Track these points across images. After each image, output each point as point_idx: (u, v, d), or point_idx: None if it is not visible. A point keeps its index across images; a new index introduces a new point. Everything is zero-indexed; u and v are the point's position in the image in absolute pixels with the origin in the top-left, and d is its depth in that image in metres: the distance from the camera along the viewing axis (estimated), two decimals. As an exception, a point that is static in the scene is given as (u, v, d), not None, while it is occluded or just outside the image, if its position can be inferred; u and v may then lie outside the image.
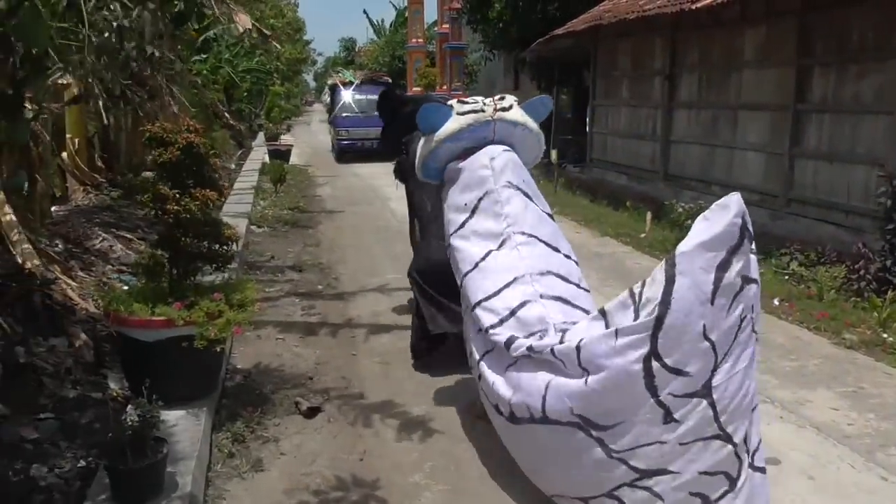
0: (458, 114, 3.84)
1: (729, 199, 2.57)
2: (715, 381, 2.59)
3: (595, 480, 2.79)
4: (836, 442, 3.82)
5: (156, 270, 3.84)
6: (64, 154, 8.63)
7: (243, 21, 7.09)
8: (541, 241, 3.54)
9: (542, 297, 3.26)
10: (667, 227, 9.06)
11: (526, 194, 3.71)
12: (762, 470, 2.81)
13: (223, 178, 5.52)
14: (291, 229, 9.50)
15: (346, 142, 18.76)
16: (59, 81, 6.16)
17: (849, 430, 3.97)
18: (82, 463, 3.29)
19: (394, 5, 41.07)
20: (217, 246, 3.94)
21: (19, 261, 4.93)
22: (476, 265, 3.49)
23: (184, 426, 3.51)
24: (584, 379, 2.74)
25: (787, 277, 6.87)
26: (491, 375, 3.24)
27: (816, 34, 7.82)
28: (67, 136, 8.70)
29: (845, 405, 4.28)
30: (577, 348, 2.77)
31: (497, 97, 3.95)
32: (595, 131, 13.64)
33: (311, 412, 4.09)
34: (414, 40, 29.85)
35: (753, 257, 2.61)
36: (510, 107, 3.90)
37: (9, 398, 3.73)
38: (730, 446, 2.64)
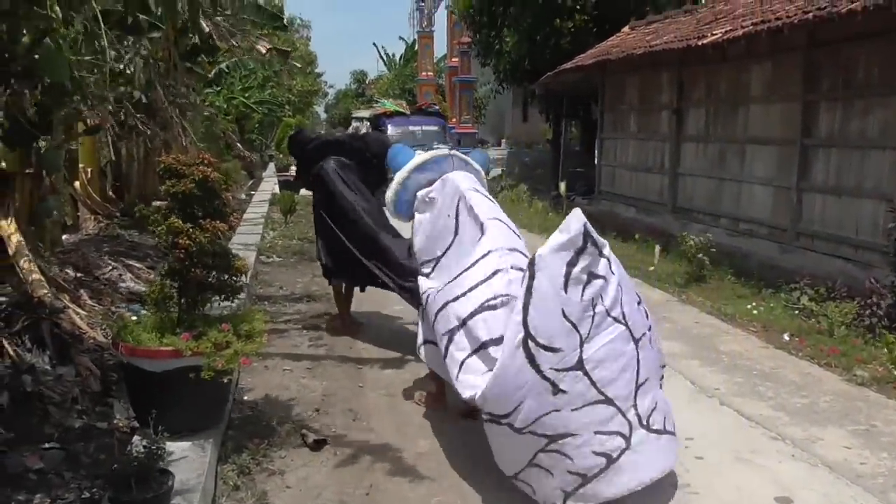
0: (430, 151, 4.72)
1: (574, 214, 3.38)
2: (585, 356, 3.22)
3: (518, 456, 3.34)
4: (850, 482, 3.75)
5: (165, 301, 3.84)
6: (76, 183, 8.72)
7: (262, 45, 7.26)
8: (507, 225, 4.11)
9: (511, 267, 3.72)
10: (675, 259, 9.03)
11: (486, 196, 4.37)
12: (659, 432, 3.38)
13: (233, 208, 5.55)
14: (300, 260, 9.51)
15: None
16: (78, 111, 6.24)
17: (861, 469, 3.90)
18: (86, 494, 3.26)
19: (404, 40, 41.62)
20: (226, 277, 3.95)
21: (28, 289, 4.96)
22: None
23: (189, 458, 3.48)
24: (483, 387, 3.31)
25: (797, 312, 6.82)
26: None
27: (822, 70, 7.87)
28: (80, 165, 8.80)
29: (858, 443, 4.21)
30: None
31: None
32: (603, 164, 13.69)
33: (318, 445, 4.06)
34: (424, 73, 30.14)
35: (602, 259, 3.36)
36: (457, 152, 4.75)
37: (14, 427, 3.72)
38: (613, 408, 3.25)
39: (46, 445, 3.62)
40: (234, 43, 7.15)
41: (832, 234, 7.64)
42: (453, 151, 4.68)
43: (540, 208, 13.84)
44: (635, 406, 3.32)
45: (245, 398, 4.72)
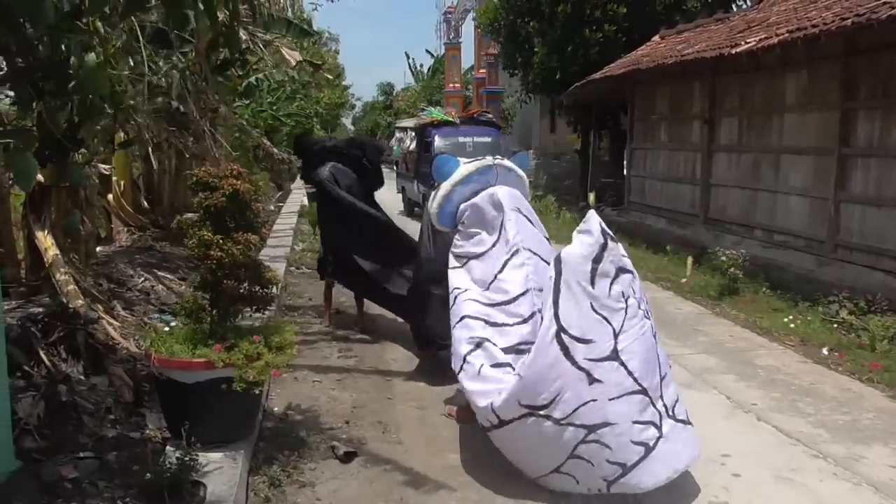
0: (465, 163, 4.63)
1: (590, 215, 3.65)
2: (620, 346, 3.42)
3: (557, 449, 3.46)
4: None
5: (197, 312, 3.87)
6: (110, 196, 8.87)
7: (293, 56, 7.35)
8: (539, 257, 4.18)
9: (540, 290, 3.89)
10: (708, 272, 8.91)
11: (528, 218, 4.42)
12: (684, 423, 3.58)
13: (264, 220, 5.65)
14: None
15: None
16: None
17: (907, 488, 3.80)
18: (120, 504, 3.29)
19: (430, 53, 41.88)
20: (257, 288, 3.98)
21: (64, 300, 5.04)
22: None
23: (221, 469, 3.50)
24: (517, 375, 3.50)
25: (835, 326, 6.68)
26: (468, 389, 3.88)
27: (861, 78, 7.74)
28: (113, 178, 8.94)
29: (902, 461, 4.10)
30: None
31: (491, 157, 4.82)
32: (633, 174, 13.59)
33: (348, 457, 4.06)
34: (451, 85, 30.29)
35: (625, 257, 3.61)
36: (503, 158, 4.80)
37: (50, 436, 3.76)
38: (647, 398, 3.44)
39: (81, 455, 3.66)
40: (266, 55, 7.23)
41: (872, 245, 7.48)
42: (497, 161, 4.66)
43: (568, 219, 13.78)
44: (662, 397, 3.52)
45: (275, 410, 4.74)
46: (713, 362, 5.88)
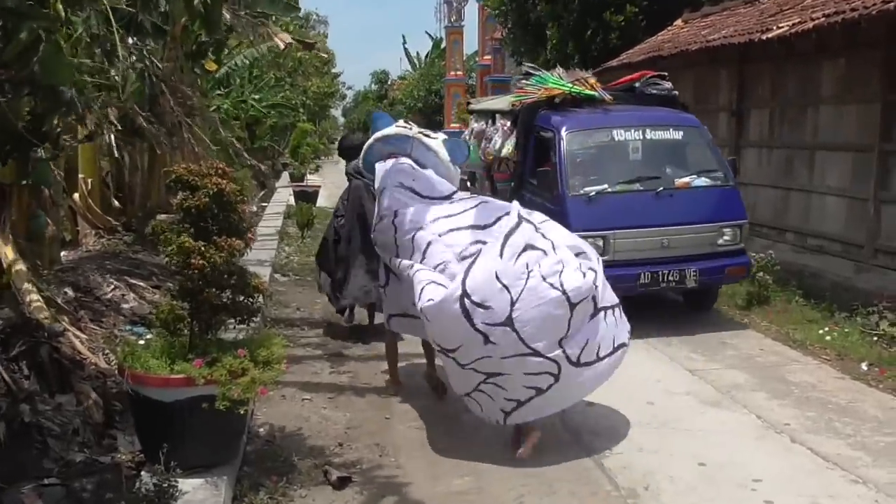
0: (396, 125, 5.53)
1: (513, 206, 4.77)
2: (514, 315, 4.22)
3: (466, 383, 4.51)
4: (943, 531, 3.67)
5: (175, 324, 3.89)
6: (76, 195, 8.87)
7: (283, 38, 7.35)
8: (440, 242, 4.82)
9: (439, 235, 4.78)
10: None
11: (413, 190, 5.14)
12: (588, 364, 4.40)
13: (249, 223, 5.67)
14: (318, 278, 9.57)
15: None
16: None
17: (957, 517, 3.82)
18: (90, 536, 3.31)
19: (430, 36, 41.89)
20: (242, 298, 4.00)
21: (26, 311, 5.05)
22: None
23: (202, 496, 3.52)
24: (426, 318, 4.46)
25: (875, 339, 6.70)
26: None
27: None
28: (80, 175, 8.95)
29: (952, 488, 4.12)
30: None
31: (430, 131, 5.65)
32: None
33: (341, 483, 4.08)
34: (453, 73, 30.35)
35: (540, 238, 4.51)
36: (434, 138, 5.48)
37: (12, 461, 3.78)
38: (542, 358, 4.26)
39: (46, 481, 3.68)
40: (251, 37, 7.24)
41: (916, 250, 7.50)
42: (416, 134, 5.39)
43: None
44: (564, 350, 4.31)
45: (261, 431, 4.76)
46: (742, 378, 5.91)
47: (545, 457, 4.49)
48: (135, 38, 6.24)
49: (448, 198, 5.16)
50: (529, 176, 8.25)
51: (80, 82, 4.86)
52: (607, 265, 5.18)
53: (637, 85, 8.56)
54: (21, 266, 5.39)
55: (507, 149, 8.89)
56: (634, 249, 7.02)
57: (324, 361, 6.27)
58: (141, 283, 7.39)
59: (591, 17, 15.19)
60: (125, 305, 6.70)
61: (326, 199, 16.99)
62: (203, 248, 3.74)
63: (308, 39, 9.42)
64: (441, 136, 5.65)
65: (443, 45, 34.98)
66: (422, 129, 5.53)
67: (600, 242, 6.66)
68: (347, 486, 4.07)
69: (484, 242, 4.57)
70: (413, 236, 4.88)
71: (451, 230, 4.81)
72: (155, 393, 3.67)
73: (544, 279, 4.29)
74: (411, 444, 4.70)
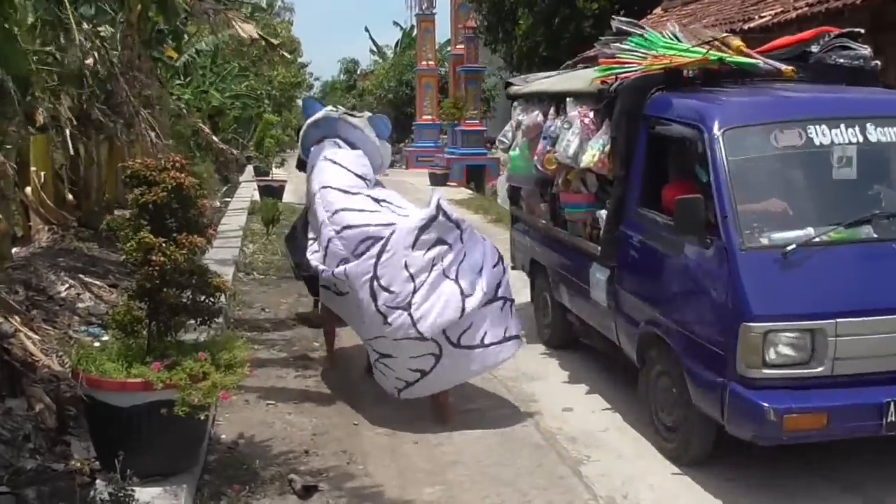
0: (324, 110, 6.24)
1: (434, 196, 5.08)
2: (413, 300, 4.79)
3: (369, 353, 5.23)
4: None
5: (132, 325, 3.86)
6: (28, 189, 8.76)
7: (248, 30, 7.24)
8: (335, 189, 5.55)
9: (352, 207, 5.36)
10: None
11: (334, 161, 5.78)
12: (470, 348, 4.93)
13: (210, 220, 5.66)
14: (284, 278, 9.51)
15: None
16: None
17: None
18: (41, 548, 3.28)
19: (399, 25, 41.73)
20: (203, 298, 3.98)
21: (-26, 311, 4.99)
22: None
23: (160, 506, 3.49)
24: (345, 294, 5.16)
25: None
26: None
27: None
28: (32, 168, 8.84)
29: None
30: (344, 271, 5.03)
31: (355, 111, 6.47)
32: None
33: (307, 492, 4.07)
34: (424, 63, 30.23)
35: (453, 231, 4.94)
36: (359, 117, 6.26)
37: (-41, 469, 3.73)
38: (429, 342, 4.82)
39: (-6, 490, 3.64)
40: (213, 27, 7.17)
41: None
42: (342, 115, 6.18)
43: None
44: (447, 335, 4.85)
45: (223, 437, 4.73)
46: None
47: (519, 464, 4.51)
48: (89, 22, 6.17)
49: (364, 180, 5.74)
50: (641, 204, 5.05)
51: (27, 72, 4.79)
52: (821, 383, 3.93)
53: (813, 50, 5.57)
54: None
55: (592, 155, 5.32)
56: (875, 354, 4.03)
57: (289, 365, 6.24)
58: (97, 282, 7.32)
59: (564, 4, 15.25)
60: (80, 305, 6.64)
61: (293, 195, 16.81)
62: (164, 245, 3.71)
63: (269, 36, 9.27)
64: (366, 114, 6.51)
65: (414, 34, 34.88)
66: (347, 111, 6.34)
67: (806, 341, 3.95)
68: (313, 495, 4.06)
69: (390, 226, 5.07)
70: (320, 224, 5.44)
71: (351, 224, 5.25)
72: (111, 397, 3.65)
73: (445, 273, 4.87)
74: (380, 450, 4.69)
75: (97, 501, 3.29)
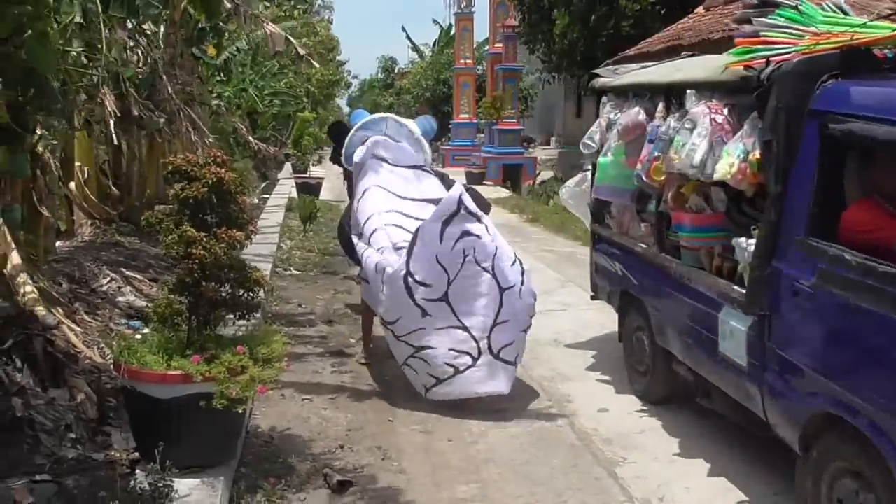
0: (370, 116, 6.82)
1: (455, 187, 5.38)
2: (450, 292, 5.08)
3: (401, 354, 5.30)
4: None
5: (172, 318, 3.91)
6: (72, 184, 8.90)
7: (276, 39, 7.23)
8: (389, 191, 5.98)
9: (385, 225, 5.62)
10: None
11: (386, 160, 6.23)
12: (508, 363, 5.22)
13: (250, 215, 5.71)
14: (321, 274, 9.60)
15: None
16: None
17: None
18: (82, 535, 3.33)
19: (438, 23, 41.74)
20: (242, 292, 4.01)
21: (20, 302, 5.07)
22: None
23: (198, 497, 3.54)
24: (381, 292, 5.26)
25: None
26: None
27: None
28: (76, 164, 8.98)
29: None
30: (383, 271, 5.23)
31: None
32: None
33: (342, 486, 4.09)
34: (462, 62, 30.22)
35: (476, 223, 5.13)
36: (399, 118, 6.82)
37: (3, 456, 3.80)
38: (467, 334, 5.11)
39: (37, 478, 3.70)
40: (246, 29, 7.22)
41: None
42: (389, 115, 6.91)
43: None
44: (489, 339, 5.14)
45: (260, 431, 4.78)
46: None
47: (553, 464, 4.49)
48: (132, 21, 6.25)
49: (415, 168, 6.29)
50: (810, 232, 3.65)
51: (65, 72, 4.85)
52: None
53: None
54: (15, 256, 5.41)
55: (729, 163, 4.06)
56: None
57: (325, 360, 6.28)
58: (137, 276, 7.42)
59: (602, 2, 15.12)
60: (121, 298, 6.73)
61: (330, 192, 16.94)
62: (204, 240, 3.76)
63: (306, 33, 9.29)
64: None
65: (452, 33, 34.86)
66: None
67: None
68: (347, 490, 4.08)
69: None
70: (365, 221, 5.75)
71: (393, 221, 5.65)
72: (151, 389, 3.70)
73: (478, 263, 5.10)
74: (414, 447, 4.70)
75: (136, 491, 3.33)
